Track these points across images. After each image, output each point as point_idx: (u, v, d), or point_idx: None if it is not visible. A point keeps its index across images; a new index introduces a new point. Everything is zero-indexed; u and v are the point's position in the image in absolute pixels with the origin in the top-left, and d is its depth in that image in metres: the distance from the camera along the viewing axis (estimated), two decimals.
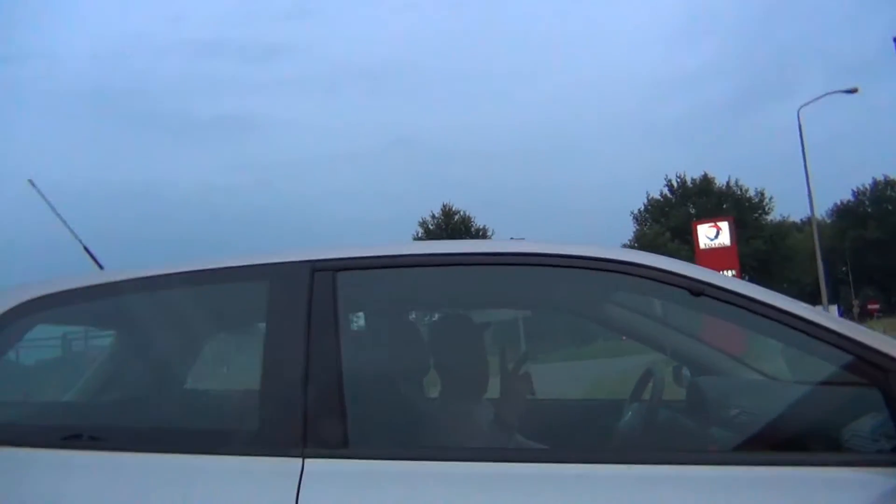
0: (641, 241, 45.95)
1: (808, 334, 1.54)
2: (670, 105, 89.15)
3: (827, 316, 1.58)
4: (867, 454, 1.58)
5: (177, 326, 2.03)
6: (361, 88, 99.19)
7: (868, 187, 54.90)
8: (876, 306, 39.10)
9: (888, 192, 53.68)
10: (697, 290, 1.60)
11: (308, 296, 1.64)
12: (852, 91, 27.56)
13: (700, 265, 1.83)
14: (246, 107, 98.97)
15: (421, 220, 52.06)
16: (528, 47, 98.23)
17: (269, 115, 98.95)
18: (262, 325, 1.66)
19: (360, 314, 3.35)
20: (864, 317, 31.29)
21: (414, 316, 2.99)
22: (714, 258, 17.95)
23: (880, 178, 54.17)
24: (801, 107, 27.31)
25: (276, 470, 1.47)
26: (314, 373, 1.55)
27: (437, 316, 2.89)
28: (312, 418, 1.51)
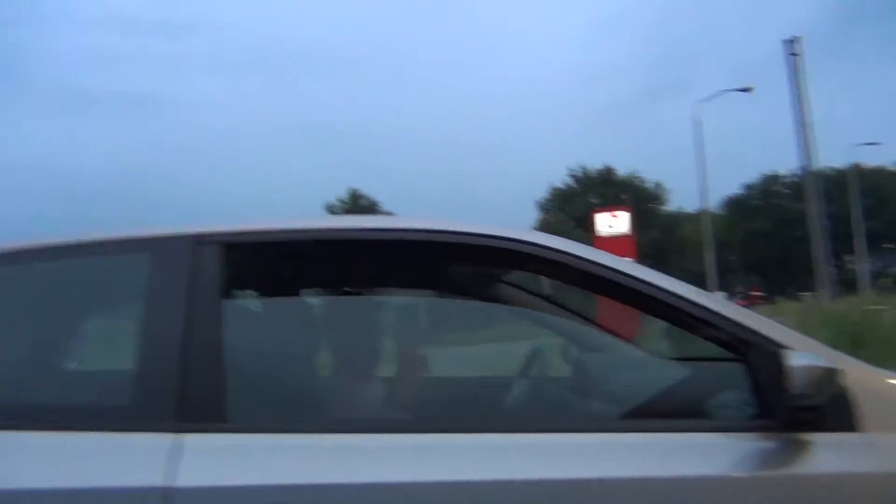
0: (545, 230, 46.88)
1: (677, 309, 1.61)
2: (576, 98, 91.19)
3: (696, 291, 1.66)
4: (731, 421, 1.68)
5: (52, 301, 1.94)
6: (273, 70, 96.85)
7: (756, 181, 57.92)
8: (759, 293, 41.34)
9: (775, 187, 56.78)
10: (579, 266, 1.65)
11: (189, 270, 1.60)
12: (746, 90, 29.03)
13: None
14: (155, 85, 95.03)
15: (327, 205, 51.48)
16: (442, 38, 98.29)
17: (179, 94, 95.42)
18: (142, 300, 1.61)
19: (251, 291, 3.30)
20: (749, 303, 33.05)
21: (309, 294, 2.96)
22: (611, 246, 18.49)
23: (769, 172, 57.31)
24: (699, 103, 28.70)
25: (152, 445, 1.43)
26: (193, 348, 1.52)
27: (330, 294, 2.86)
28: (190, 393, 1.48)
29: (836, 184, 47.14)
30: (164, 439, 1.42)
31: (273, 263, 2.42)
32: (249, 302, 2.29)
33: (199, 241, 1.65)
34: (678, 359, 3.03)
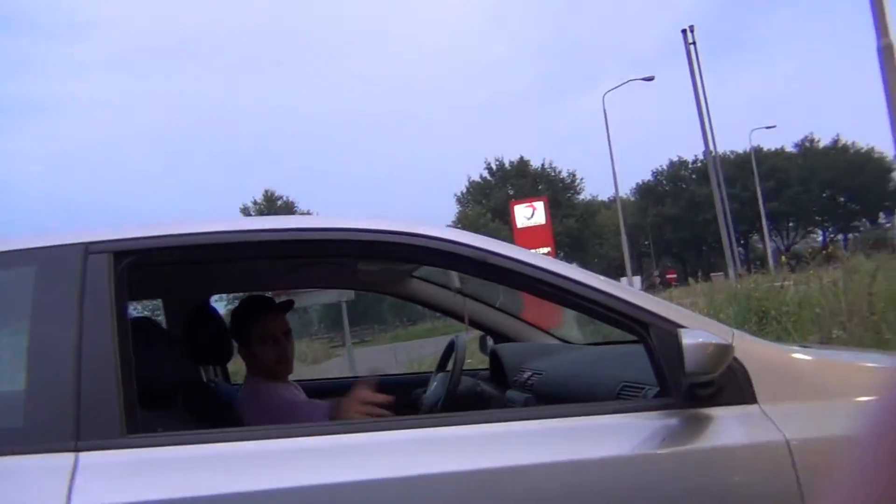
0: (464, 223, 47.29)
1: (579, 296, 1.64)
2: (488, 92, 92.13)
3: (597, 277, 1.70)
4: (636, 402, 1.74)
5: None
6: (168, 68, 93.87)
7: (664, 167, 59.83)
8: (673, 276, 42.73)
9: (682, 172, 58.78)
10: (480, 258, 1.66)
11: (80, 281, 1.53)
12: (649, 79, 29.95)
13: (518, 244, 1.90)
14: (42, 89, 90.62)
15: (242, 207, 50.39)
16: (350, 33, 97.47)
17: (68, 96, 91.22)
18: (30, 315, 1.53)
19: (147, 300, 3.20)
20: (663, 286, 34.15)
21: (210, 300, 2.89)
22: (530, 236, 18.78)
23: (675, 158, 59.29)
24: (606, 93, 29.51)
25: (46, 466, 1.36)
26: (87, 363, 1.45)
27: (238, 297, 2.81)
28: (86, 411, 1.42)
29: (739, 167, 49.24)
30: (62, 459, 1.36)
31: (171, 270, 2.35)
32: (146, 311, 2.21)
33: (90, 250, 1.57)
34: (590, 344, 3.11)
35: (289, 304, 2.45)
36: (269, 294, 2.60)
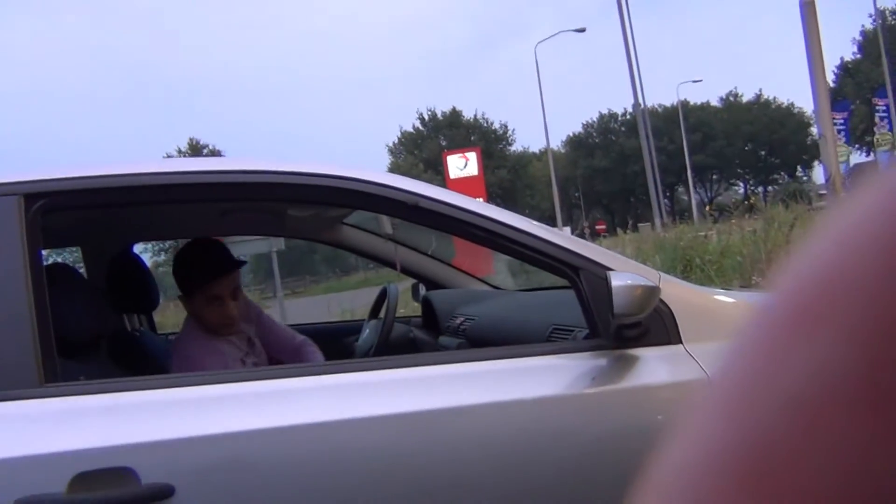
0: (396, 173, 46.88)
1: (512, 240, 1.64)
2: (420, 43, 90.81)
3: (529, 222, 1.70)
4: (566, 343, 1.76)
5: None
6: (88, 15, 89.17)
7: (594, 120, 60.48)
8: (602, 227, 43.59)
9: (612, 125, 59.54)
10: (412, 201, 1.63)
11: None
12: (581, 30, 30.11)
13: None
14: None
15: (165, 155, 48.78)
16: None
17: None
18: None
19: (60, 244, 3.08)
20: (593, 237, 34.85)
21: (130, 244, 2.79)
22: (463, 187, 18.77)
23: (605, 111, 59.96)
24: (537, 44, 29.49)
25: None
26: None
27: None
28: None
29: (666, 120, 50.20)
30: None
31: (89, 216, 2.25)
32: (59, 256, 2.11)
33: None
34: (521, 290, 3.14)
35: (239, 264, 2.24)
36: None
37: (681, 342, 1.59)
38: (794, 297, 0.21)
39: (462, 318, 2.48)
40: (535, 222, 1.74)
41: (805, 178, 56.19)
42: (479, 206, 1.69)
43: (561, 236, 1.70)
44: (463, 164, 20.41)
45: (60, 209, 1.65)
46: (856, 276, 0.19)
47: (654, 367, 1.57)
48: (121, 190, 1.59)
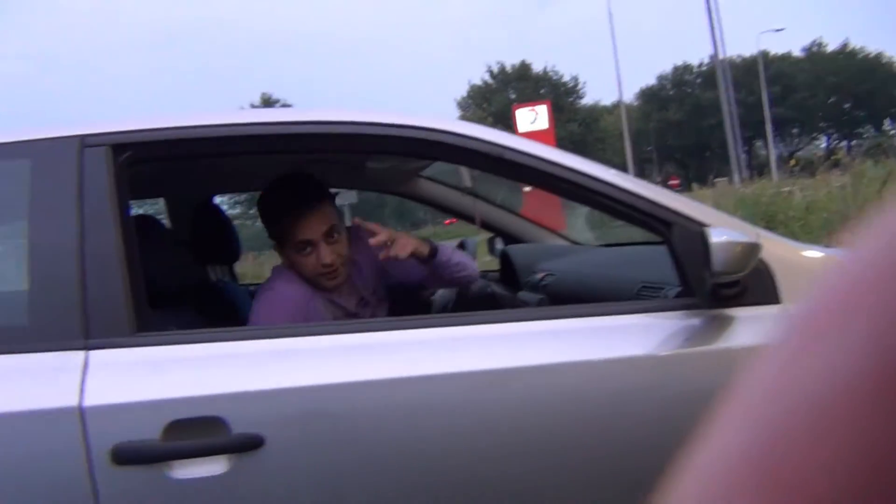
0: None
1: (601, 193, 1.57)
2: None
3: (619, 174, 1.63)
4: (657, 301, 1.69)
5: None
6: None
7: (668, 72, 58.53)
8: (676, 182, 42.49)
9: (686, 77, 57.53)
10: (497, 153, 1.58)
11: (77, 176, 1.45)
12: None
13: None
14: None
15: (239, 109, 49.53)
16: None
17: None
18: (26, 214, 1.46)
19: (150, 196, 3.14)
20: None
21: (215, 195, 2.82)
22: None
23: (679, 63, 57.93)
24: None
25: (57, 363, 1.33)
26: (91, 261, 1.40)
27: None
28: (94, 309, 1.37)
29: (745, 71, 48.16)
30: (72, 357, 1.33)
31: (172, 167, 2.27)
32: (149, 208, 2.14)
33: (86, 143, 1.49)
34: (605, 245, 3.06)
35: (325, 197, 1.92)
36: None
37: (780, 301, 1.50)
38: (815, 300, 0.21)
39: (543, 274, 2.42)
40: (624, 175, 1.66)
41: (893, 131, 53.33)
42: (566, 157, 1.62)
43: (653, 189, 1.62)
44: (532, 118, 20.06)
45: (147, 160, 1.65)
46: (870, 280, 0.20)
47: (753, 327, 1.48)
48: (207, 140, 1.58)
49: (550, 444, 1.39)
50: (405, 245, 1.86)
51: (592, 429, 1.40)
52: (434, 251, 1.94)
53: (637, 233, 1.89)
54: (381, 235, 1.82)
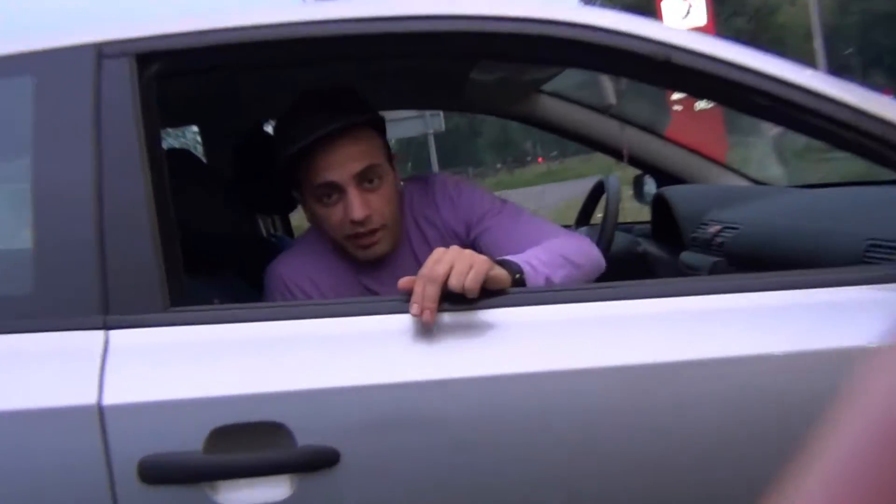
0: None
1: (817, 114, 1.47)
2: None
3: (837, 85, 1.51)
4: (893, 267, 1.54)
5: None
6: None
7: None
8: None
9: None
10: (662, 56, 1.48)
11: (94, 95, 1.45)
12: None
13: None
14: None
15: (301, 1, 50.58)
16: None
17: None
18: (28, 145, 1.47)
19: (186, 122, 3.17)
20: None
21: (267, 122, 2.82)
22: None
23: None
24: None
25: (68, 347, 1.35)
26: (112, 209, 1.40)
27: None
28: (115, 275, 1.37)
29: None
30: (88, 339, 1.33)
31: (211, 82, 2.26)
32: (185, 139, 2.15)
33: (104, 53, 1.48)
34: (802, 186, 2.93)
35: (363, 120, 1.75)
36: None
37: None
38: None
39: (718, 227, 2.32)
40: (848, 85, 1.53)
41: None
42: (763, 61, 1.51)
43: (890, 105, 1.49)
44: (685, 11, 19.61)
45: (181, 73, 1.65)
46: None
47: None
48: (259, 46, 1.55)
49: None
50: (464, 277, 1.34)
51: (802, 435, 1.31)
52: (519, 275, 1.49)
53: (845, 168, 1.76)
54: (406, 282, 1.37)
